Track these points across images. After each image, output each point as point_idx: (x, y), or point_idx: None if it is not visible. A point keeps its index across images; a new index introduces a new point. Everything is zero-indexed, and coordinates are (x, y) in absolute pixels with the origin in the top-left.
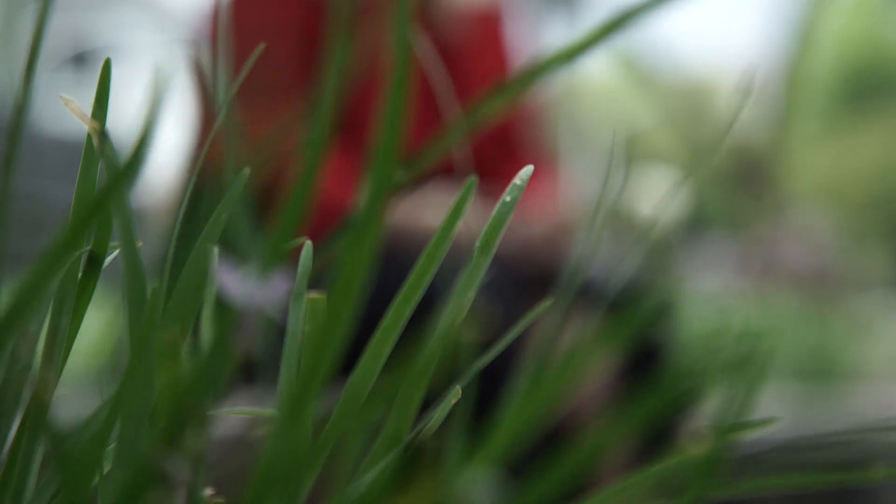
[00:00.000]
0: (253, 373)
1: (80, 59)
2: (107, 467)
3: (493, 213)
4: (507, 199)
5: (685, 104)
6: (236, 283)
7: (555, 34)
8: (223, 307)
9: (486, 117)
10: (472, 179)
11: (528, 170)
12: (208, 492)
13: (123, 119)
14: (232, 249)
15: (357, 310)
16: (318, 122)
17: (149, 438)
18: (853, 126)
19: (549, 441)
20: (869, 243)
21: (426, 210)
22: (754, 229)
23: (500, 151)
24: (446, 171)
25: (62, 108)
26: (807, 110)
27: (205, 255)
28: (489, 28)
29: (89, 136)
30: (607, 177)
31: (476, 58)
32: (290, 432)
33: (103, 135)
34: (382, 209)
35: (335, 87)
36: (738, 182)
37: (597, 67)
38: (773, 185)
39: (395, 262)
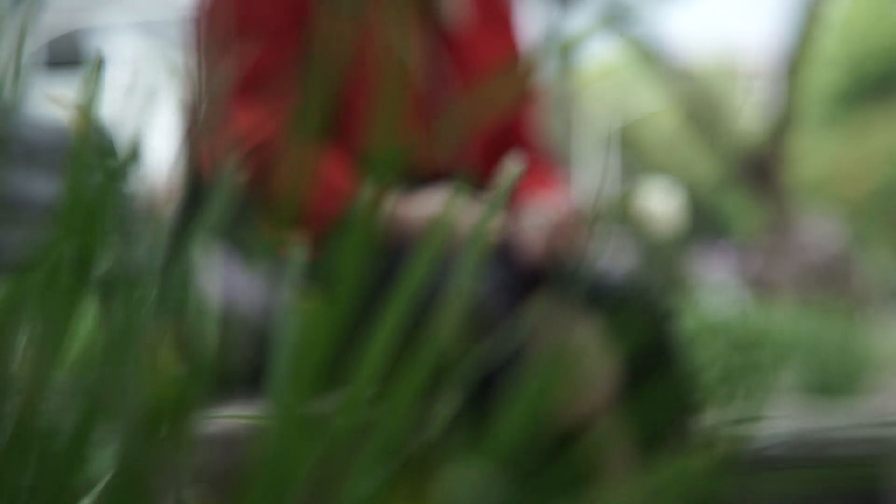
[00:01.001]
0: (245, 374)
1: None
2: (96, 469)
3: (486, 206)
4: (499, 193)
5: (692, 91)
6: (225, 284)
7: (550, 22)
8: (213, 309)
9: (492, 104)
10: (466, 177)
11: (519, 167)
12: (200, 491)
13: (111, 113)
14: (223, 248)
15: (353, 309)
16: (310, 114)
17: (137, 440)
18: (860, 116)
19: (558, 444)
20: (877, 240)
21: (428, 206)
22: (761, 227)
23: (505, 153)
24: (450, 173)
25: (45, 102)
26: (813, 99)
27: (195, 259)
28: (495, 12)
29: (78, 135)
30: (612, 171)
31: (482, 43)
32: (284, 432)
33: (92, 134)
34: (379, 204)
35: (328, 78)
36: (744, 177)
37: (605, 53)
38: (779, 178)
39: (398, 258)
